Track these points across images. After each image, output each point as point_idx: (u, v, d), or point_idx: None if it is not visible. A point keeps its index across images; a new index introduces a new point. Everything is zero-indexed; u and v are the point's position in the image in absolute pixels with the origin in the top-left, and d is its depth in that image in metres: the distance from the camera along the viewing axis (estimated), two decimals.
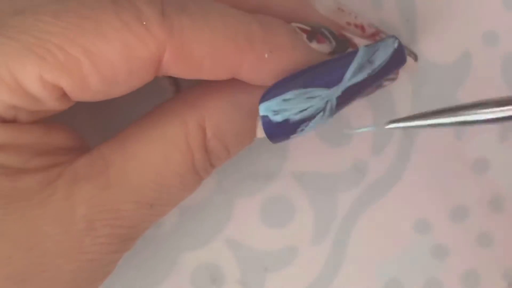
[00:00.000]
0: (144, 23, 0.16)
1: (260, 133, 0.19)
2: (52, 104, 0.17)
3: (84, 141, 0.19)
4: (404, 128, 0.19)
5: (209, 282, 0.23)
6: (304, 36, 0.19)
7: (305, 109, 0.18)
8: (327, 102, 0.18)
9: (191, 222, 0.23)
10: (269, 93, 0.18)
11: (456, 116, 0.18)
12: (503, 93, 0.25)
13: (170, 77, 0.21)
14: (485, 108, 0.17)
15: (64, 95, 0.17)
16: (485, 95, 0.24)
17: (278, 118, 0.18)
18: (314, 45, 0.19)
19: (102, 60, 0.16)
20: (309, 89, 0.18)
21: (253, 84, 0.18)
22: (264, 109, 0.18)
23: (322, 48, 0.19)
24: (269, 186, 0.24)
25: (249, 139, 0.20)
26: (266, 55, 0.18)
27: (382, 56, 0.19)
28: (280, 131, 0.18)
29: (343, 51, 0.20)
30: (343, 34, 0.20)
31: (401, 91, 0.24)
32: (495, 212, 0.25)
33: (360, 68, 0.18)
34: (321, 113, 0.18)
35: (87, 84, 0.16)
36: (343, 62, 0.18)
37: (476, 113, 0.17)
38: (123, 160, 0.18)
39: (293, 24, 0.19)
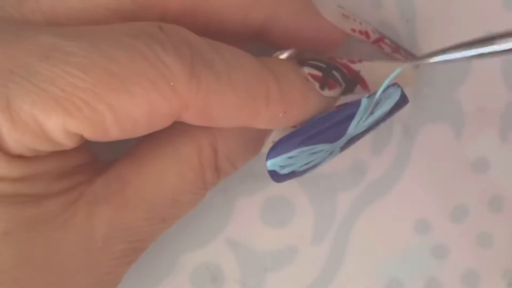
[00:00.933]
0: (172, 83, 0.16)
1: (266, 148, 0.19)
2: (72, 145, 0.17)
3: (94, 154, 0.20)
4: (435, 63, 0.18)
5: (209, 282, 0.24)
6: (317, 85, 0.19)
7: (310, 162, 0.19)
8: (331, 152, 0.19)
9: (191, 222, 0.23)
10: (275, 150, 0.18)
11: (481, 47, 0.17)
12: (502, 93, 0.25)
13: None
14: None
15: (83, 138, 0.17)
16: (485, 95, 0.25)
17: (284, 171, 0.19)
18: (326, 93, 0.19)
19: (125, 116, 0.16)
20: (312, 146, 0.18)
21: None
22: (270, 165, 0.18)
23: (333, 93, 0.19)
24: (269, 186, 0.24)
25: (254, 155, 0.21)
26: (280, 115, 0.18)
27: (384, 107, 0.19)
28: (287, 179, 0.19)
29: (352, 90, 0.20)
30: (353, 70, 0.20)
31: None
32: (495, 212, 0.25)
33: (362, 121, 0.18)
34: (326, 159, 0.19)
35: (107, 134, 0.17)
36: (345, 118, 0.18)
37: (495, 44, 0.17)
38: (140, 179, 0.19)
39: (305, 70, 0.19)
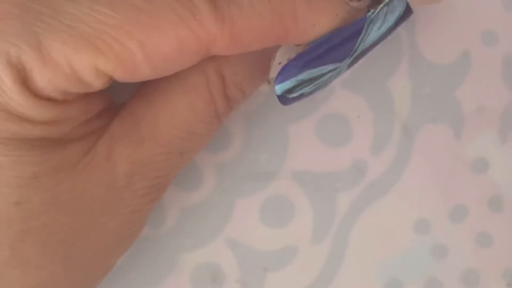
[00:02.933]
0: (197, 17, 0.16)
1: (273, 73, 0.19)
2: (100, 87, 0.17)
3: (111, 99, 0.20)
4: None
5: (209, 282, 0.24)
6: None
7: (318, 82, 0.19)
8: (338, 71, 0.19)
9: (191, 222, 0.23)
10: (283, 74, 0.18)
11: None
12: (502, 93, 0.25)
13: None
14: None
15: (112, 78, 0.17)
16: (485, 95, 0.25)
17: (294, 95, 0.19)
18: (354, 3, 0.18)
19: (155, 52, 0.16)
20: (322, 67, 0.18)
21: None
22: (279, 89, 0.18)
23: (360, 4, 0.19)
24: (269, 186, 0.24)
25: (262, 80, 0.20)
26: (309, 29, 0.18)
27: (389, 20, 0.19)
28: (295, 101, 0.19)
29: (379, 2, 0.19)
30: None
31: (400, 91, 0.24)
32: (495, 212, 0.25)
33: (368, 35, 0.18)
34: (334, 78, 0.19)
35: (137, 73, 0.17)
36: (352, 34, 0.18)
37: None
38: (152, 114, 0.19)
39: None
